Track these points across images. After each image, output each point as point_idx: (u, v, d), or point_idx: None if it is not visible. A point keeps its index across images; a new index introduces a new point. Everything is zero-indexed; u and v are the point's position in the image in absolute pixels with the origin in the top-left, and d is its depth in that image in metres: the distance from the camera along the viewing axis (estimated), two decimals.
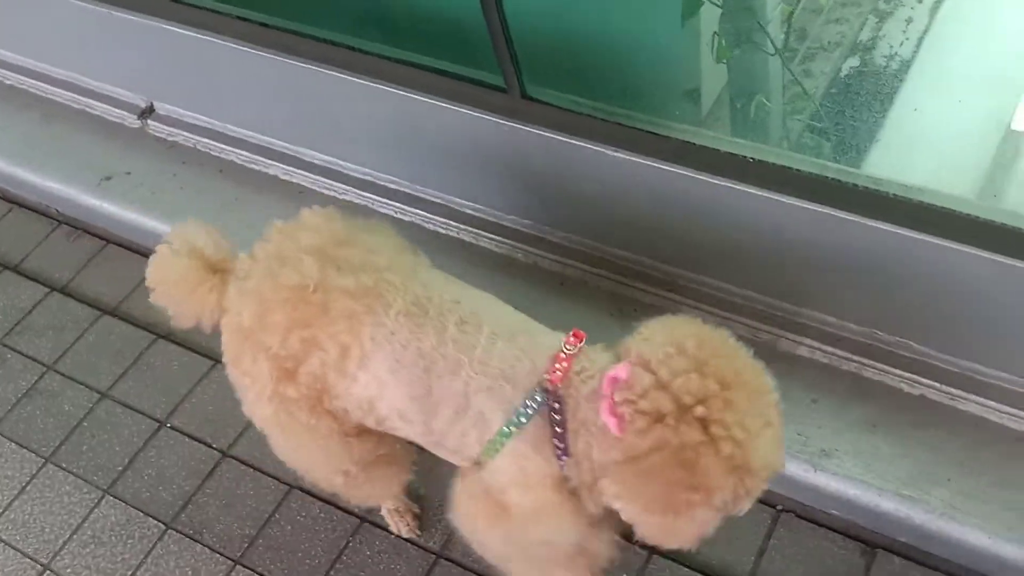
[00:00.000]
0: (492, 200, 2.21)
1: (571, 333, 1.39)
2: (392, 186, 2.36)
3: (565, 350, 1.35)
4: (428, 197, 2.32)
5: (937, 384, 1.83)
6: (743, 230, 1.83)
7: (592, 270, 2.13)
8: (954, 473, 1.73)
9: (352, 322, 1.40)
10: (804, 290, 1.90)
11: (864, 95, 2.26)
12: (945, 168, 2.06)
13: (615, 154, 1.84)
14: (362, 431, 1.53)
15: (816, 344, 1.93)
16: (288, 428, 1.51)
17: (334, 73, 2.13)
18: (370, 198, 2.39)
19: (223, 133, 2.60)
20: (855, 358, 1.90)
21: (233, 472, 2.10)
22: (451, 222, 2.29)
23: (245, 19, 2.21)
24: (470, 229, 2.27)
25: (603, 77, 1.97)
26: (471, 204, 2.26)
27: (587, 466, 1.33)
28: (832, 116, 2.21)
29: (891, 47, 2.31)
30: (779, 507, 1.85)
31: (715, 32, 1.94)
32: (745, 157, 1.72)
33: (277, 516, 2.01)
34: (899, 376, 1.86)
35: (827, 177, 1.67)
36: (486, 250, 2.26)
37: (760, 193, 1.73)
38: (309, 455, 1.61)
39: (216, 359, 2.17)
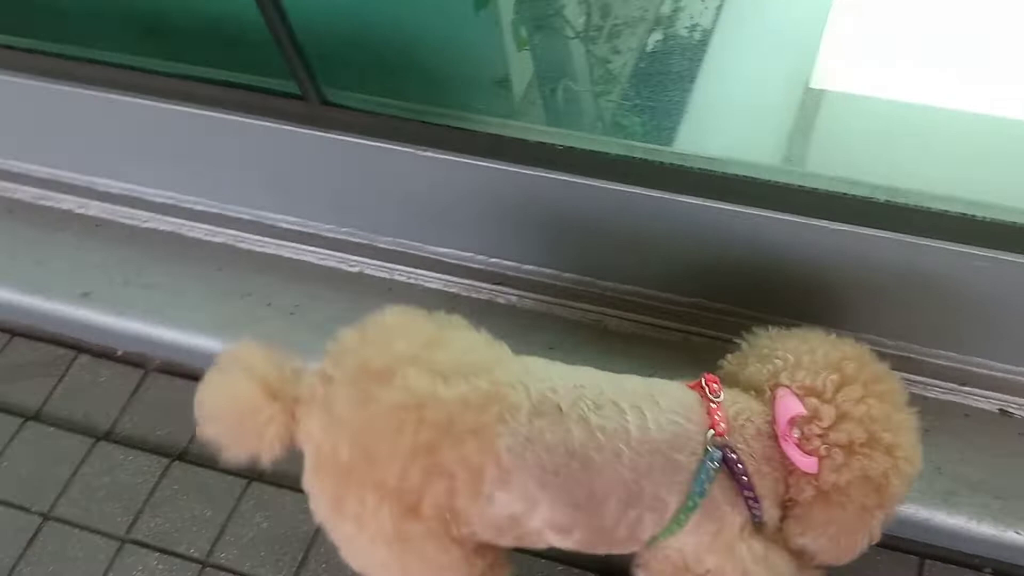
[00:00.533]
0: (303, 210, 2.12)
1: (704, 378, 1.32)
2: (199, 208, 2.23)
3: (713, 399, 1.29)
4: (238, 215, 2.20)
5: None
6: (561, 217, 1.82)
7: (416, 271, 2.09)
8: None
9: (481, 437, 1.21)
10: (630, 271, 1.91)
11: (670, 69, 2.28)
12: (752, 134, 2.11)
13: (424, 154, 1.79)
14: (484, 546, 1.34)
15: (646, 319, 1.96)
16: (409, 567, 1.31)
17: (113, 96, 1.98)
18: (176, 223, 2.25)
19: (5, 170, 2.39)
20: (685, 328, 1.94)
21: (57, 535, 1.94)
22: (266, 238, 2.19)
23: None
24: (287, 243, 2.18)
25: (405, 75, 1.91)
26: (284, 217, 2.16)
27: (768, 504, 1.29)
28: (642, 93, 2.22)
29: (691, 17, 2.34)
30: None
31: (512, 19, 1.91)
32: (553, 145, 1.71)
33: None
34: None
35: (633, 157, 1.67)
36: (308, 263, 2.17)
37: (571, 179, 1.72)
38: None
39: (29, 417, 2.00)
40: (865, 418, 1.24)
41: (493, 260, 2.00)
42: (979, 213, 1.52)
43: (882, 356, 1.35)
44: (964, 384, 1.79)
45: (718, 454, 1.25)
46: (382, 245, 2.09)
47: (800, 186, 1.58)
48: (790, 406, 1.25)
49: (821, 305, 1.78)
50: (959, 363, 1.78)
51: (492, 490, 1.23)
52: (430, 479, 1.21)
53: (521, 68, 2.11)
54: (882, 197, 1.56)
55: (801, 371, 1.28)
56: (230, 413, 1.27)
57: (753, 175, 1.62)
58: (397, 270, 2.09)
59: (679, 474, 1.25)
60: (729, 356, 1.44)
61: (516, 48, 1.95)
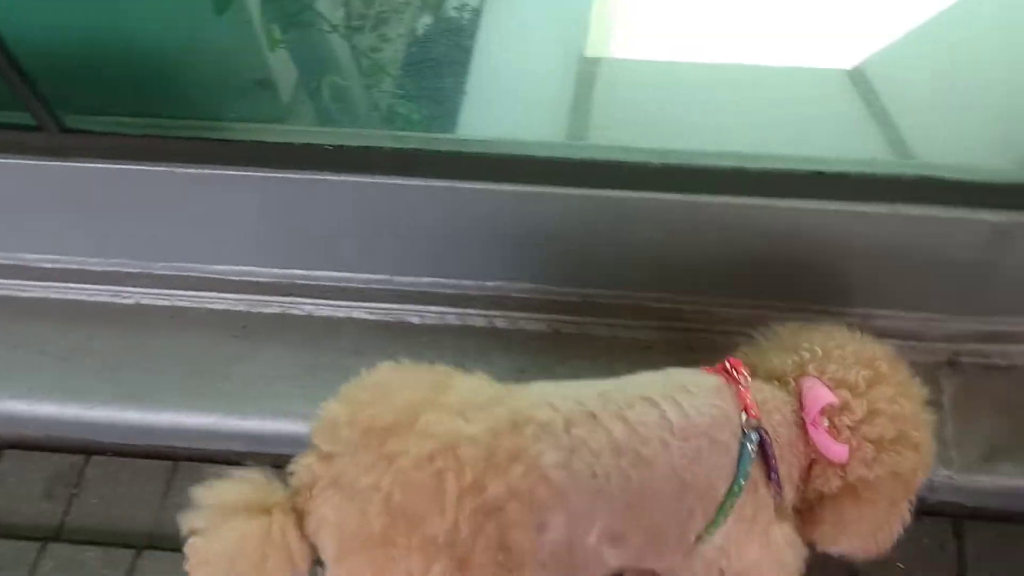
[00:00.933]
0: (64, 246, 1.94)
1: (727, 363, 1.29)
2: None
3: (743, 383, 1.26)
4: None
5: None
6: (344, 219, 1.75)
7: (199, 293, 1.96)
8: None
9: (524, 460, 1.12)
10: (427, 265, 1.86)
11: (443, 53, 2.23)
12: (533, 110, 2.08)
13: (183, 170, 1.67)
14: None
15: (448, 309, 1.91)
16: None
17: None
18: None
19: None
20: (493, 313, 1.91)
21: None
22: (27, 282, 1.99)
23: None
24: (52, 284, 1.99)
25: (154, 89, 1.77)
26: (44, 257, 1.96)
27: (788, 489, 1.27)
28: (416, 81, 2.16)
29: None
30: None
31: (261, 18, 1.80)
32: (322, 145, 1.62)
33: None
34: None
35: (408, 149, 1.62)
36: (79, 302, 1.99)
37: (346, 178, 1.65)
38: None
39: None
40: (897, 416, 1.25)
41: (280, 272, 1.90)
42: (751, 164, 1.56)
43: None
44: None
45: (756, 436, 1.23)
46: (158, 271, 1.94)
47: (578, 159, 1.58)
48: (821, 395, 1.25)
49: (626, 274, 1.80)
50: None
51: (545, 516, 1.15)
52: (480, 522, 1.11)
53: (284, 69, 2.00)
54: (657, 160, 1.57)
55: (832, 364, 1.28)
56: (232, 559, 1.12)
57: (532, 153, 1.60)
58: (177, 295, 1.95)
59: (725, 456, 1.22)
60: (743, 348, 1.43)
61: (269, 48, 1.84)
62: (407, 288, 1.89)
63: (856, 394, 1.25)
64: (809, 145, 1.66)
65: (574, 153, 1.59)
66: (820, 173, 1.55)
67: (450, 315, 1.92)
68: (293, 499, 1.15)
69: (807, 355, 1.31)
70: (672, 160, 1.57)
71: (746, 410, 1.24)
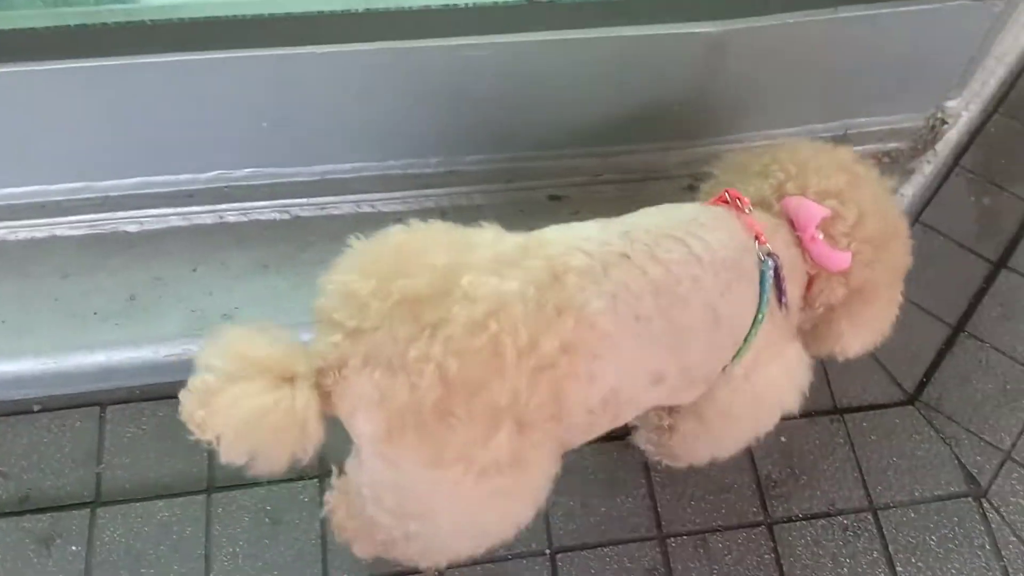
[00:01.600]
0: None
1: (727, 194, 1.29)
2: None
3: (748, 211, 1.26)
4: None
5: None
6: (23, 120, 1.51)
7: None
8: None
9: (571, 312, 1.08)
10: (132, 160, 1.65)
11: None
12: None
13: None
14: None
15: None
16: (519, 490, 1.15)
17: None
18: None
19: None
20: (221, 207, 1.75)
21: None
22: None
23: None
24: None
25: None
26: None
27: (794, 310, 1.30)
28: None
29: None
30: None
31: None
32: None
33: None
34: None
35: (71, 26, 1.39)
36: None
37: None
38: (522, 510, 1.19)
39: None
40: (882, 212, 1.30)
41: None
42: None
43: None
44: (511, 181, 1.80)
45: (771, 262, 1.23)
46: None
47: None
48: (813, 210, 1.26)
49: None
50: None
51: (595, 366, 1.12)
52: (537, 381, 1.07)
53: None
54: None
55: (812, 178, 1.29)
56: (250, 427, 1.01)
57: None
58: None
59: (750, 286, 1.23)
60: (704, 185, 1.43)
61: None
62: (114, 194, 1.67)
63: (843, 201, 1.27)
64: None
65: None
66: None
67: (172, 216, 1.73)
68: (318, 377, 1.06)
69: (782, 175, 1.32)
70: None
71: (757, 238, 1.23)
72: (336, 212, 1.78)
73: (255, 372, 1.03)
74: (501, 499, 1.14)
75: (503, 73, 1.54)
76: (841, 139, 1.86)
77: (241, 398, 1.02)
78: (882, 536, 1.62)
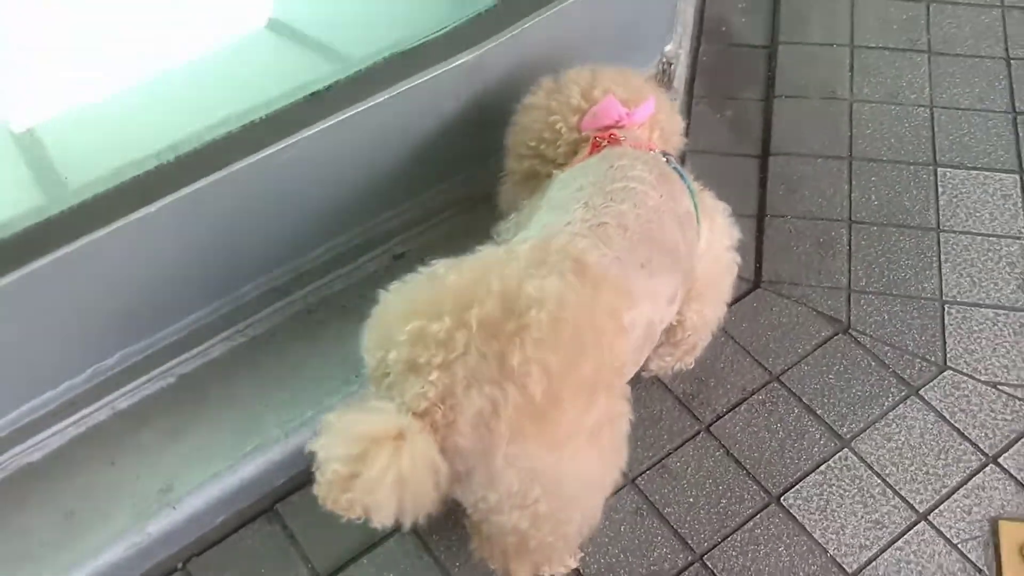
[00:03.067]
0: None
1: (596, 138, 1.57)
2: None
3: (623, 139, 1.56)
4: None
5: None
6: None
7: None
8: None
9: (603, 283, 1.32)
10: None
11: None
12: None
13: None
14: None
15: None
16: (614, 445, 1.33)
17: None
18: None
19: None
20: None
21: None
22: None
23: None
24: None
25: None
26: None
27: None
28: None
29: None
30: None
31: None
32: None
33: None
34: None
35: None
36: None
37: None
38: (622, 455, 1.36)
39: None
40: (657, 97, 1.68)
41: None
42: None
43: None
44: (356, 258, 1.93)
45: (670, 158, 1.58)
46: None
47: None
48: (612, 101, 1.60)
49: None
50: None
51: (630, 316, 1.36)
52: (602, 347, 1.27)
53: None
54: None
55: (619, 88, 1.63)
56: (401, 487, 1.14)
57: None
58: None
59: (676, 181, 1.53)
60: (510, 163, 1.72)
61: None
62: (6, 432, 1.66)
63: (642, 97, 1.65)
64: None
65: None
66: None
67: (69, 428, 1.73)
68: (423, 420, 1.17)
69: (574, 100, 1.62)
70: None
71: (651, 148, 1.58)
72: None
73: (373, 443, 1.13)
74: (607, 452, 1.32)
75: (298, 175, 1.69)
76: None
77: (378, 470, 1.12)
78: (794, 395, 1.86)
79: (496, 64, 1.81)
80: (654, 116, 1.66)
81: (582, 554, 1.66)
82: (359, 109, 1.66)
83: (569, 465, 1.26)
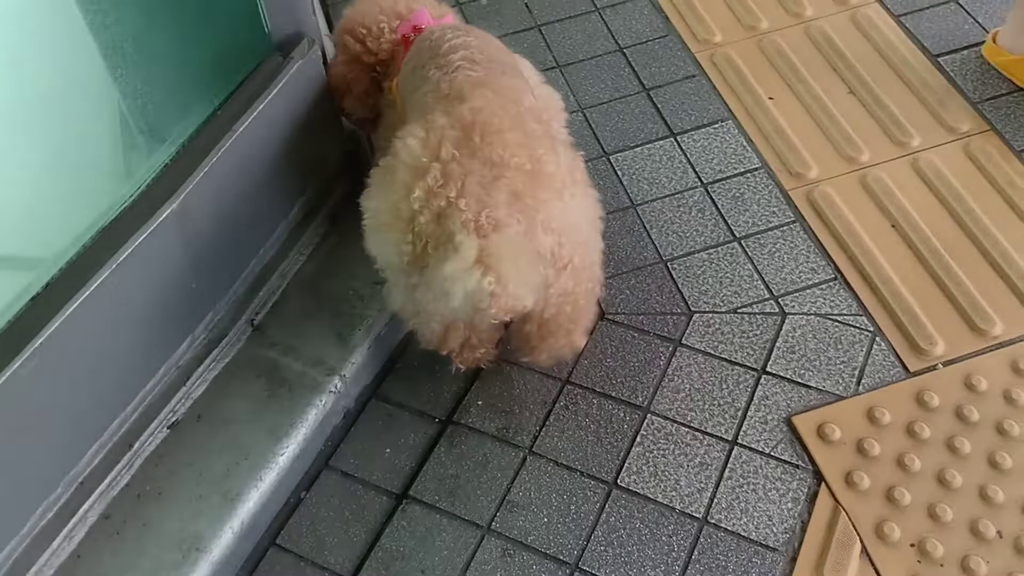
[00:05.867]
0: None
1: (415, 32, 1.96)
2: None
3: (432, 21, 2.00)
4: None
5: None
6: None
7: None
8: None
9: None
10: None
11: None
12: None
13: None
14: None
15: None
16: (593, 195, 1.78)
17: None
18: None
19: None
20: None
21: None
22: None
23: None
24: None
25: None
26: None
27: None
28: None
29: None
30: None
31: None
32: None
33: None
34: None
35: None
36: None
37: None
38: (596, 197, 1.79)
39: None
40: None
41: None
42: None
43: None
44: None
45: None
46: None
47: None
48: (448, 19, 2.01)
49: None
50: None
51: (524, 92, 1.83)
52: (526, 111, 1.71)
53: None
54: None
55: (430, 7, 2.03)
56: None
57: None
58: None
59: (502, 49, 1.93)
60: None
61: None
62: None
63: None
64: None
65: None
66: None
67: None
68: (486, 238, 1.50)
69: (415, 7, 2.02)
70: None
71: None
72: None
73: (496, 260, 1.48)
74: (589, 189, 1.71)
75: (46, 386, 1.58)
76: None
77: (515, 274, 1.49)
78: (587, 388, 2.01)
79: (201, 205, 1.80)
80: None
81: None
82: (85, 294, 1.59)
83: (575, 210, 1.62)
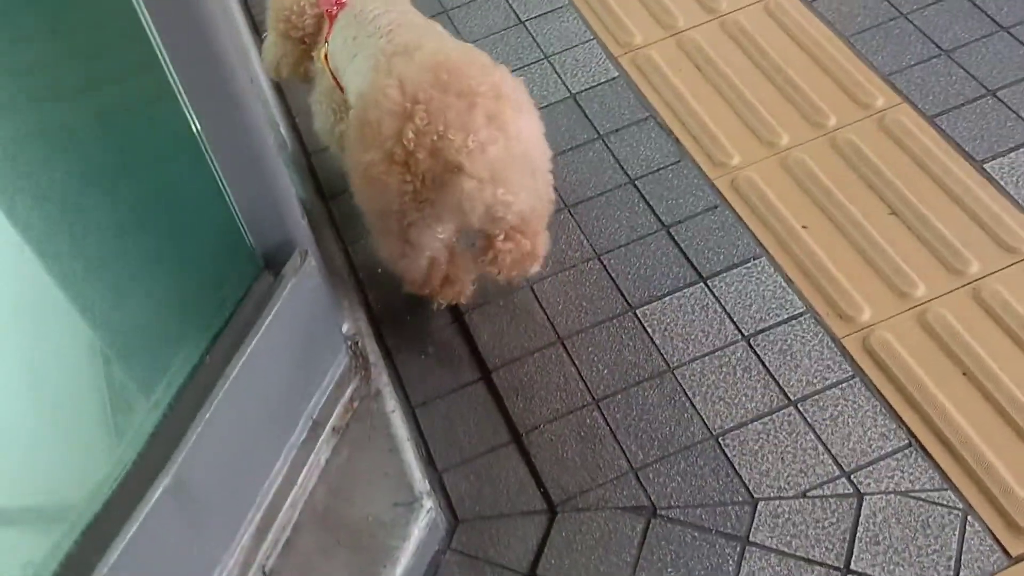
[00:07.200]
0: None
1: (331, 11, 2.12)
2: None
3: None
4: None
5: None
6: None
7: None
8: None
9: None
10: None
11: None
12: None
13: None
14: None
15: None
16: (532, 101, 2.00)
17: None
18: None
19: None
20: None
21: None
22: None
23: None
24: None
25: None
26: None
27: None
28: None
29: None
30: None
31: None
32: None
33: None
34: None
35: None
36: None
37: None
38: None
39: None
40: None
41: None
42: None
43: None
44: None
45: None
46: None
47: None
48: None
49: None
50: None
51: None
52: (473, 50, 1.92)
53: None
54: None
55: None
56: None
57: None
58: None
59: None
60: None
61: None
62: None
63: None
64: None
65: None
66: None
67: None
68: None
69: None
70: None
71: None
72: None
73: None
74: (538, 117, 1.89)
75: None
76: None
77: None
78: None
79: (196, 472, 1.57)
80: None
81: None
82: None
83: (529, 129, 1.81)
